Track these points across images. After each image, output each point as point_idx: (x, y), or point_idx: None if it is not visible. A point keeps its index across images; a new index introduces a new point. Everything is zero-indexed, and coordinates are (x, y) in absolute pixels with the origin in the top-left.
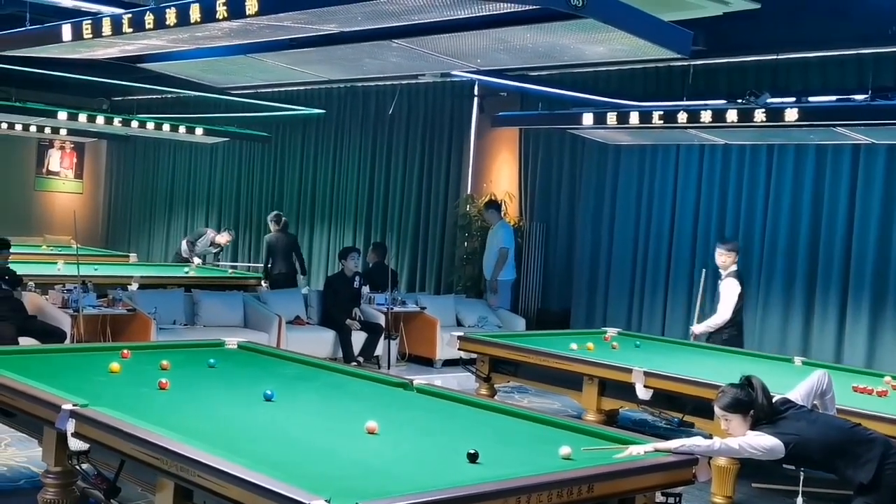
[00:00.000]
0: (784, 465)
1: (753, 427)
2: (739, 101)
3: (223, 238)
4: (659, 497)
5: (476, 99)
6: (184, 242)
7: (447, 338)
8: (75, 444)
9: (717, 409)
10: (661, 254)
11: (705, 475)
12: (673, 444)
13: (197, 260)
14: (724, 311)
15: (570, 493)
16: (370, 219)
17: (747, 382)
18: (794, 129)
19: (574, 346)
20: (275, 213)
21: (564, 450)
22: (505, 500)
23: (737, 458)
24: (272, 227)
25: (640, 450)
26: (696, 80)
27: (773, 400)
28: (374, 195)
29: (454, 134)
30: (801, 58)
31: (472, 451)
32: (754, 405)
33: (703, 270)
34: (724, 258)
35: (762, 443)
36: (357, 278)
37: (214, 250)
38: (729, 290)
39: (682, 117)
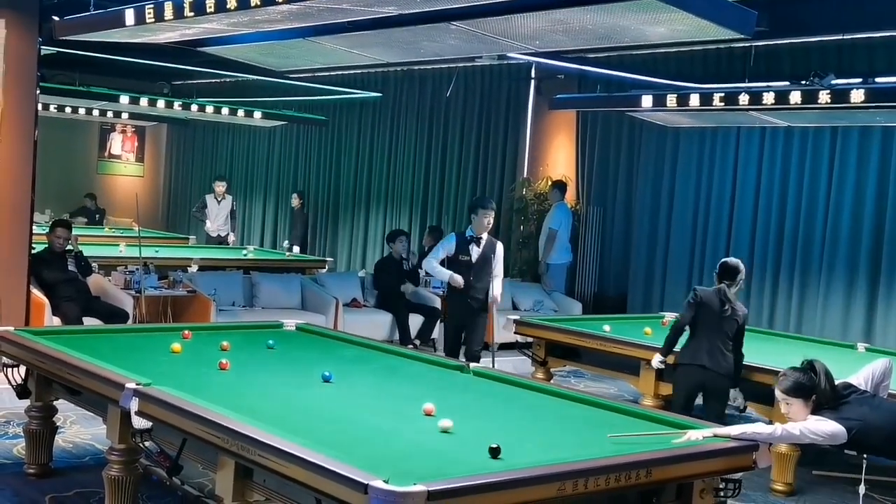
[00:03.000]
0: (846, 452)
1: (815, 412)
2: (803, 82)
3: (219, 187)
4: (718, 483)
5: (533, 81)
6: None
7: (503, 321)
8: (139, 423)
9: (778, 393)
10: (721, 238)
11: (766, 462)
12: (734, 430)
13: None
14: None
15: (629, 477)
16: (426, 203)
17: (810, 367)
18: (859, 111)
19: (648, 329)
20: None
21: (444, 422)
22: (563, 484)
23: (797, 445)
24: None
25: (699, 435)
26: (758, 62)
27: (836, 384)
28: (430, 179)
29: (510, 117)
30: (867, 38)
31: (495, 446)
32: (816, 390)
33: None
34: None
35: (824, 428)
36: (404, 261)
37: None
38: None
39: (744, 99)
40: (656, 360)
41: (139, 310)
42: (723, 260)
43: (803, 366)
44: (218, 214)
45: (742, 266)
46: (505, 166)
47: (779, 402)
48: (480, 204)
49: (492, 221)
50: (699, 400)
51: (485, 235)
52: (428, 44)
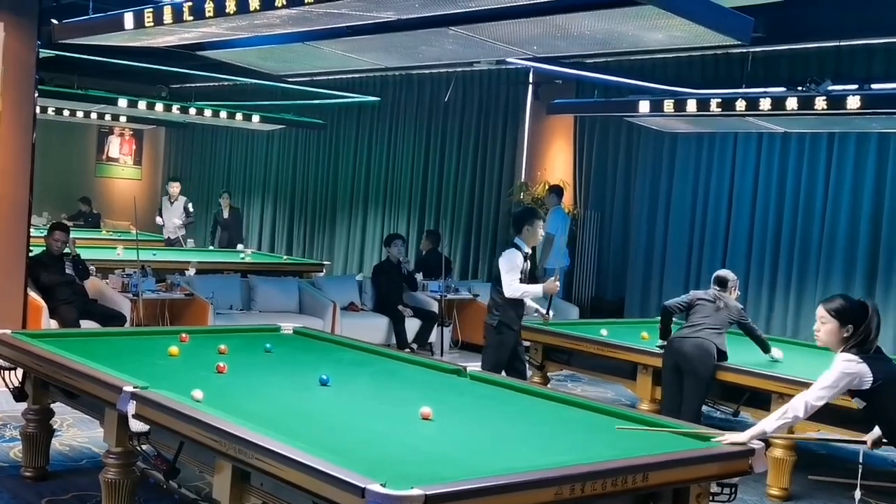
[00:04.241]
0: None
1: (845, 350)
2: (800, 88)
3: (172, 188)
4: (714, 488)
5: (531, 86)
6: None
7: None
8: (136, 426)
9: (819, 309)
10: (718, 243)
11: (762, 466)
12: (770, 425)
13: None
14: None
15: (625, 481)
16: (424, 206)
17: (865, 302)
18: (856, 117)
19: (645, 334)
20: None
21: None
22: (559, 488)
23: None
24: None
25: (740, 438)
26: (755, 68)
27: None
28: (428, 182)
29: (509, 121)
30: (864, 44)
31: None
32: (858, 321)
33: None
34: None
35: (854, 368)
36: (402, 265)
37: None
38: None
39: (741, 105)
40: (656, 343)
41: (136, 313)
42: (716, 273)
43: (860, 301)
44: (171, 216)
45: (732, 275)
46: (503, 170)
47: (817, 320)
48: (536, 214)
49: None
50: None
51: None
52: (426, 48)
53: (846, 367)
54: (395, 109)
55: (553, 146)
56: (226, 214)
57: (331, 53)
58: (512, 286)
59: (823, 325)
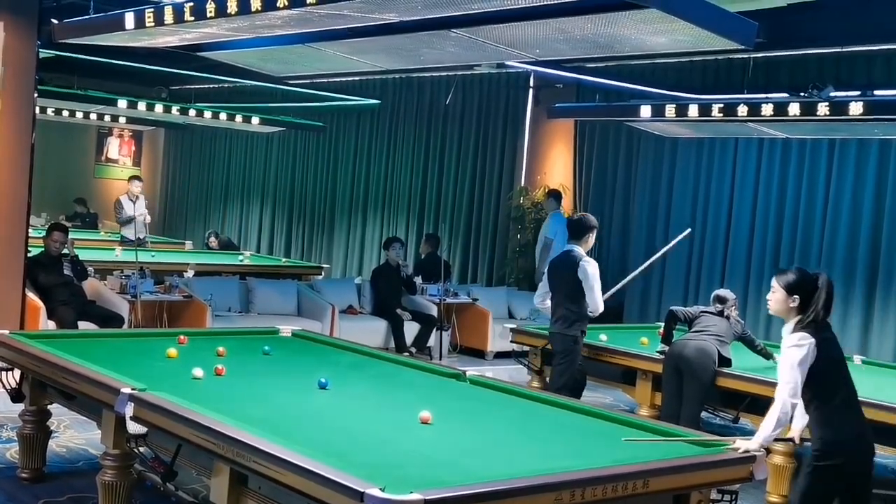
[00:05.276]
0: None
1: (796, 329)
2: (802, 94)
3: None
4: (714, 494)
5: (531, 90)
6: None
7: (499, 330)
8: (133, 428)
9: (773, 281)
10: (718, 250)
11: (762, 473)
12: (755, 444)
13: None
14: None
15: (625, 487)
16: (423, 210)
17: (819, 276)
18: (857, 124)
19: (644, 339)
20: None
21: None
22: (559, 493)
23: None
24: None
25: (753, 445)
26: (757, 73)
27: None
28: (428, 186)
29: (509, 125)
30: (866, 50)
31: None
32: (807, 295)
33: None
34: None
35: (801, 353)
36: (401, 268)
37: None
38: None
39: (743, 110)
40: (657, 348)
41: (135, 314)
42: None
43: (815, 274)
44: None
45: (731, 294)
46: (502, 175)
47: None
48: (593, 222)
49: None
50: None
51: None
52: (428, 51)
53: (792, 354)
54: (395, 112)
55: (553, 150)
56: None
57: (332, 55)
58: (601, 300)
59: (773, 294)
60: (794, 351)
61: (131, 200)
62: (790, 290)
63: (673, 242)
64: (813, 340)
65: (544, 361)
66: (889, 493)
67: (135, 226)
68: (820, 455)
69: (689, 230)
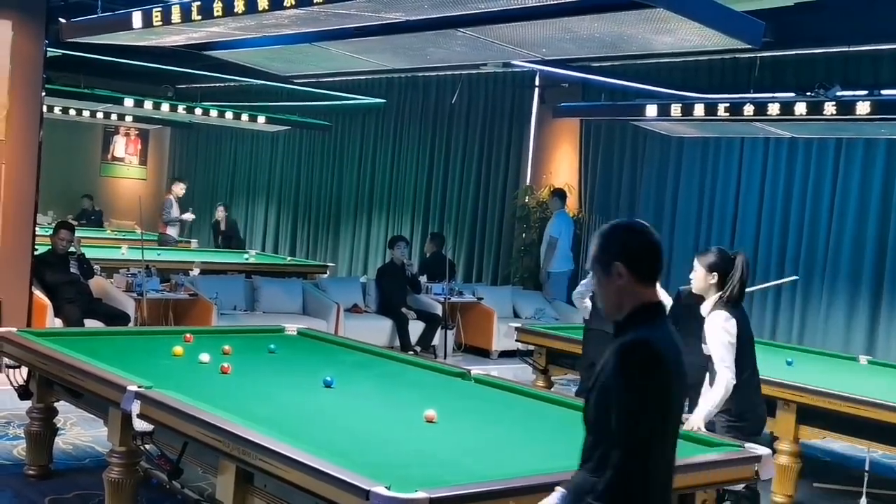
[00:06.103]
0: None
1: (716, 306)
2: (808, 93)
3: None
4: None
5: (537, 89)
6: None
7: (504, 329)
8: (140, 425)
9: (695, 261)
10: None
11: (768, 473)
12: (699, 417)
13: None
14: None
15: None
16: (428, 209)
17: (736, 256)
18: (864, 123)
19: None
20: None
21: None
22: None
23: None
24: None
25: (692, 421)
26: (763, 73)
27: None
28: (433, 185)
29: (514, 124)
30: (873, 49)
31: None
32: (725, 273)
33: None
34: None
35: (732, 322)
36: (406, 267)
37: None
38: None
39: (749, 110)
40: None
41: (141, 313)
42: None
43: (733, 253)
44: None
45: None
46: (508, 174)
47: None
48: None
49: None
50: None
51: None
52: (434, 50)
53: (723, 335)
54: (400, 112)
55: (559, 150)
56: (223, 227)
57: (338, 54)
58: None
59: (695, 272)
60: (724, 333)
61: (177, 202)
62: (710, 268)
63: (773, 283)
64: (734, 320)
65: (549, 361)
66: (891, 493)
67: (180, 226)
68: (730, 424)
69: (795, 277)
